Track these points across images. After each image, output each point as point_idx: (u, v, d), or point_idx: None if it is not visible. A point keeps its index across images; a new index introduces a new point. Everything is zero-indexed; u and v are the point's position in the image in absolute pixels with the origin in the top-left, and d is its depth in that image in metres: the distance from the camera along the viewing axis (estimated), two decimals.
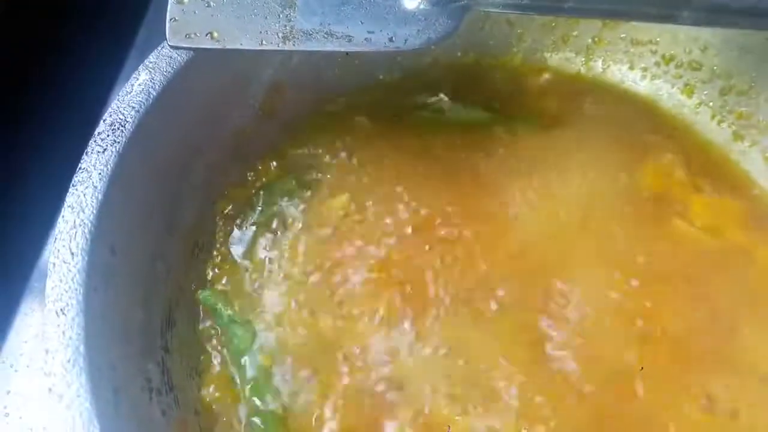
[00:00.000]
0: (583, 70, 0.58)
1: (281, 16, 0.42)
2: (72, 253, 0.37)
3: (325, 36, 0.42)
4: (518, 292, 0.47)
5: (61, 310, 0.35)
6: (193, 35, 0.42)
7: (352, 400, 0.43)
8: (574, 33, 0.57)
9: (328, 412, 0.43)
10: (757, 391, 0.44)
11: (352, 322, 0.46)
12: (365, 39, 0.42)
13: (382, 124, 0.55)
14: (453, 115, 0.56)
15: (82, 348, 0.35)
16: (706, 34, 0.54)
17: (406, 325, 0.45)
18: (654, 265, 0.48)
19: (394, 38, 0.42)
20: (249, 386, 0.44)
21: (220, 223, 0.50)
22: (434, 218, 0.50)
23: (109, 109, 0.41)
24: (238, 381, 0.45)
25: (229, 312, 0.46)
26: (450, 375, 0.44)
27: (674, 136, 0.55)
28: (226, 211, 0.50)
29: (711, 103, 0.55)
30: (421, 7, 0.42)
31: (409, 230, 0.49)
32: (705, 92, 0.55)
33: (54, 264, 0.37)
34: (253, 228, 0.50)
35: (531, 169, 0.52)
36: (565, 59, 0.59)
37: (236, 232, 0.50)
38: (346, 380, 0.44)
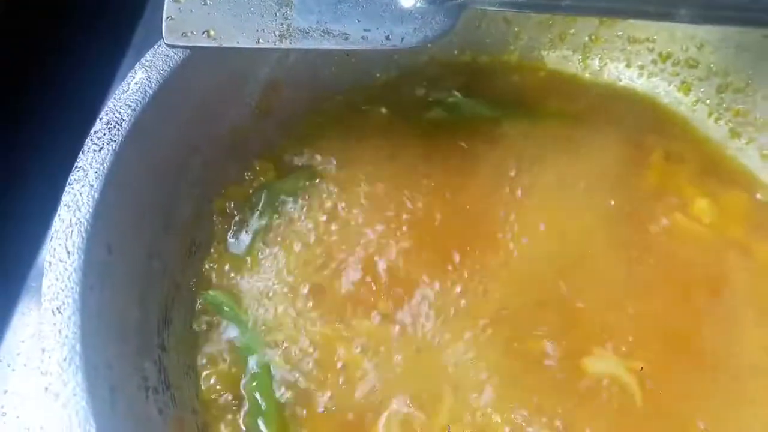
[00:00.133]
0: (580, 68, 0.58)
1: (278, 14, 0.42)
2: (68, 252, 0.37)
3: (322, 34, 0.42)
4: (516, 296, 0.47)
5: (58, 308, 0.35)
6: (189, 33, 0.42)
7: (351, 398, 0.43)
8: (571, 31, 0.57)
9: (328, 409, 0.43)
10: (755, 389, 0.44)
11: (351, 323, 0.46)
12: (362, 37, 0.42)
13: (380, 122, 0.55)
14: (466, 112, 0.55)
15: (78, 347, 0.35)
16: (702, 31, 0.54)
17: (407, 323, 0.45)
18: (653, 260, 0.48)
19: (390, 36, 0.42)
20: (250, 384, 0.44)
21: (218, 221, 0.50)
22: (434, 216, 0.50)
23: (106, 108, 0.41)
24: (238, 379, 0.45)
25: (234, 311, 0.46)
26: (446, 376, 0.44)
27: (672, 133, 0.55)
28: (225, 209, 0.50)
29: (708, 101, 0.55)
30: (418, 5, 0.42)
31: (408, 229, 0.49)
32: (702, 90, 0.55)
33: (50, 263, 0.36)
34: (253, 227, 0.50)
35: (529, 167, 0.52)
36: (562, 57, 0.59)
37: (235, 231, 0.50)
38: (342, 379, 0.44)
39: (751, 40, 0.52)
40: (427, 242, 0.49)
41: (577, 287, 0.47)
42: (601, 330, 0.45)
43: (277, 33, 0.42)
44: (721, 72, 0.54)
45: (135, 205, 0.42)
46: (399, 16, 0.42)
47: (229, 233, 0.50)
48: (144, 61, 0.43)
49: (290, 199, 0.51)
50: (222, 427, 0.43)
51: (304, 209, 0.50)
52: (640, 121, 0.56)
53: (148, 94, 0.42)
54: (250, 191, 0.51)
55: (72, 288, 0.36)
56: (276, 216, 0.50)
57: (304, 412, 0.43)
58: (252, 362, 0.45)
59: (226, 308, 0.47)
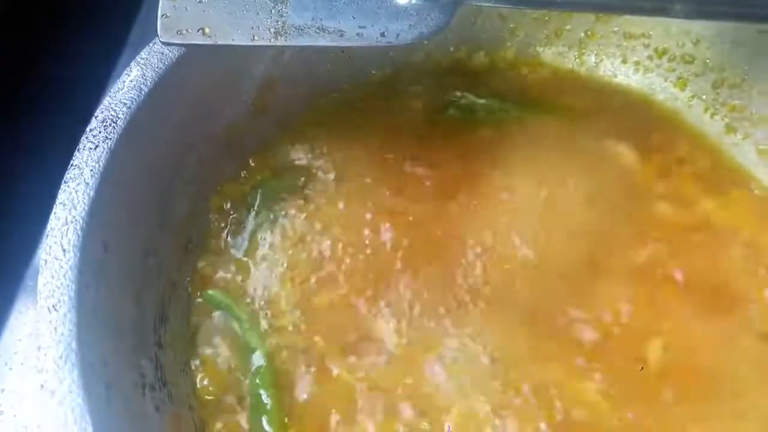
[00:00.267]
0: (576, 64, 0.58)
1: (273, 11, 0.42)
2: (64, 250, 0.37)
3: (317, 31, 0.42)
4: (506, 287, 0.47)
5: (53, 306, 0.35)
6: (184, 31, 0.42)
7: (352, 396, 0.43)
8: (567, 27, 0.57)
9: (328, 405, 0.43)
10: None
11: (353, 317, 0.46)
12: (357, 34, 0.42)
13: (376, 119, 0.55)
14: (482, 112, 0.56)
15: (74, 344, 0.35)
16: (698, 27, 0.54)
17: (408, 322, 0.46)
18: (652, 255, 0.48)
19: (385, 33, 0.42)
20: (253, 381, 0.44)
21: (215, 219, 0.50)
22: (433, 213, 0.50)
23: (101, 106, 0.41)
24: (238, 375, 0.45)
25: (233, 309, 0.46)
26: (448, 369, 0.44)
27: (668, 129, 0.55)
28: (221, 207, 0.50)
29: (704, 96, 0.55)
30: (413, 2, 0.42)
31: (407, 226, 0.49)
32: (698, 85, 0.56)
33: (46, 260, 0.36)
34: (250, 226, 0.50)
35: (528, 164, 0.52)
36: (558, 53, 0.59)
37: (232, 230, 0.50)
38: (345, 373, 0.44)
39: (746, 35, 0.52)
40: (427, 241, 0.49)
41: (576, 288, 0.47)
42: (604, 336, 0.45)
43: (272, 30, 0.42)
44: (716, 68, 0.54)
45: (130, 202, 0.42)
46: (394, 12, 0.42)
47: (226, 231, 0.50)
48: (139, 59, 0.43)
49: (287, 197, 0.51)
50: (220, 424, 0.43)
51: (301, 207, 0.50)
52: (637, 117, 0.56)
53: (143, 92, 0.42)
54: (247, 190, 0.51)
55: (68, 286, 0.36)
56: (273, 214, 0.50)
57: (306, 407, 0.43)
58: (253, 359, 0.45)
59: (224, 306, 0.47)
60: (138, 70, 0.43)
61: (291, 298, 0.47)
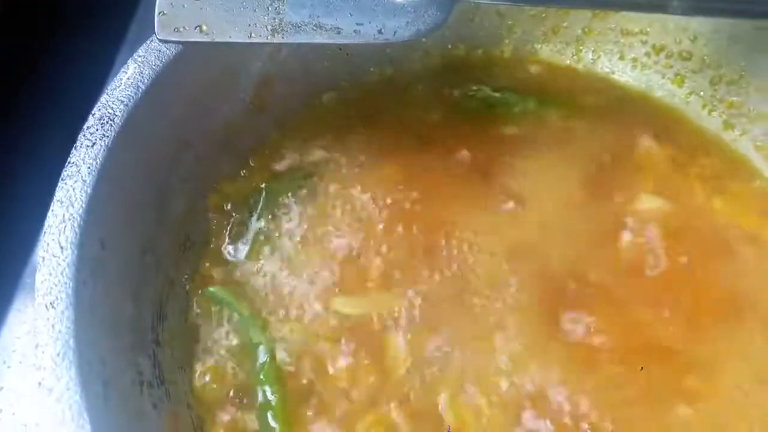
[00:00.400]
0: (573, 61, 0.58)
1: (270, 8, 0.42)
2: (61, 247, 0.37)
3: (314, 28, 0.42)
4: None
5: (51, 303, 0.35)
6: (181, 29, 0.42)
7: (353, 393, 0.44)
8: (564, 24, 0.57)
9: (332, 399, 0.43)
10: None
11: (354, 316, 0.46)
12: (354, 31, 0.42)
13: (375, 117, 0.55)
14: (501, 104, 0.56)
15: (71, 342, 0.35)
16: (695, 23, 0.54)
17: (408, 320, 0.46)
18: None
19: (383, 30, 0.42)
20: (255, 377, 0.44)
21: (215, 218, 0.50)
22: (432, 212, 0.50)
23: (98, 103, 0.41)
24: (237, 372, 0.45)
25: (235, 306, 0.46)
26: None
27: (666, 125, 0.55)
28: (220, 206, 0.50)
29: (701, 93, 0.55)
30: None
31: (406, 225, 0.49)
32: (695, 82, 0.56)
33: (43, 258, 0.36)
34: (251, 227, 0.50)
35: (528, 162, 0.52)
36: (555, 50, 0.59)
37: (233, 230, 0.50)
38: (347, 374, 0.44)
39: (743, 31, 0.52)
40: (430, 239, 0.49)
41: (581, 284, 0.47)
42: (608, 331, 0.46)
43: (269, 27, 0.42)
44: (714, 64, 0.54)
45: (128, 200, 0.42)
46: (391, 9, 0.42)
47: (227, 231, 0.50)
48: (136, 57, 0.43)
49: (287, 198, 0.51)
50: (219, 422, 0.43)
51: (301, 208, 0.50)
52: (635, 112, 0.56)
53: (140, 90, 0.42)
54: (247, 192, 0.51)
55: (65, 283, 0.36)
56: (274, 215, 0.50)
57: (307, 406, 0.43)
58: (256, 355, 0.45)
59: (226, 303, 0.47)
60: (135, 67, 0.43)
61: (292, 296, 0.47)
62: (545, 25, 0.58)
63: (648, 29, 0.56)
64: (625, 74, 0.58)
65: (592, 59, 0.58)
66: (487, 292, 0.46)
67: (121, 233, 0.41)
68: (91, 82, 0.66)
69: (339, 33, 0.42)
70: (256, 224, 0.50)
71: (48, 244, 0.37)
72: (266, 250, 0.49)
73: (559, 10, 0.57)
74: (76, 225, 0.37)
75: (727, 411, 0.43)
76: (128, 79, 0.42)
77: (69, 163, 0.39)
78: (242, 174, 0.52)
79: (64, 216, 0.38)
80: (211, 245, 0.49)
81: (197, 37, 0.42)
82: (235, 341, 0.46)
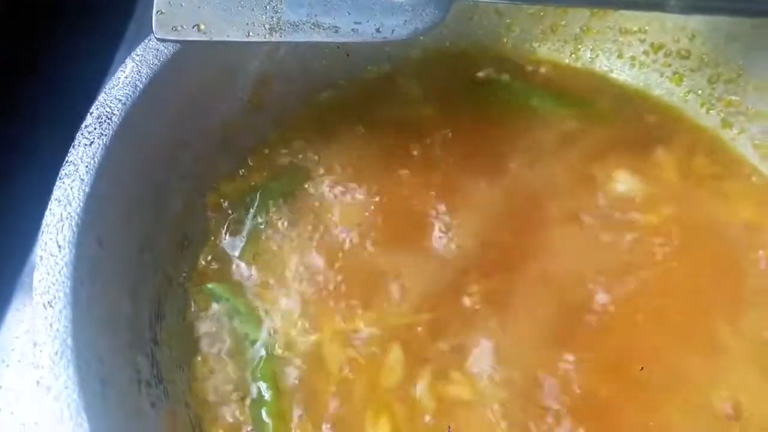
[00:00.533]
0: (571, 59, 0.58)
1: (268, 7, 0.42)
2: (59, 246, 0.37)
3: (312, 27, 0.42)
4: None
5: (49, 302, 0.35)
6: (179, 27, 0.42)
7: (353, 390, 0.44)
8: (563, 22, 0.57)
9: (327, 396, 0.43)
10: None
11: (350, 313, 0.46)
12: (352, 30, 0.42)
13: (374, 115, 0.55)
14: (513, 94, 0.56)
15: (69, 340, 0.35)
16: (693, 22, 0.54)
17: (409, 318, 0.46)
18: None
19: (381, 29, 0.42)
20: (250, 373, 0.44)
21: (213, 217, 0.50)
22: (435, 208, 0.50)
23: (96, 102, 0.41)
24: (235, 370, 0.45)
25: (233, 303, 0.47)
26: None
27: (664, 123, 0.55)
28: (218, 205, 0.50)
29: (700, 91, 0.55)
30: None
31: (404, 223, 0.49)
32: (694, 80, 0.55)
33: (41, 257, 0.37)
34: (248, 225, 0.50)
35: (528, 158, 0.52)
36: (554, 49, 0.58)
37: (230, 228, 0.50)
38: (345, 371, 0.44)
39: (741, 30, 0.52)
40: (428, 238, 0.49)
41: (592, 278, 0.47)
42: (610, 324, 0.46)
43: (267, 26, 0.42)
44: (712, 63, 0.54)
45: (125, 198, 0.42)
46: (389, 8, 0.42)
47: (224, 229, 0.50)
48: (134, 56, 0.43)
49: (285, 197, 0.51)
50: (216, 419, 0.43)
51: (299, 207, 0.50)
52: (633, 110, 0.56)
53: (138, 88, 0.42)
54: (245, 191, 0.51)
55: (63, 282, 0.36)
56: (271, 215, 0.50)
57: (302, 403, 0.43)
58: (252, 352, 0.45)
59: (224, 300, 0.47)
60: (133, 66, 0.43)
61: (289, 294, 0.47)
62: (544, 24, 0.58)
63: (646, 28, 0.56)
64: (623, 73, 0.58)
65: (590, 58, 0.58)
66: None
67: (119, 232, 0.41)
68: (90, 81, 0.66)
69: (337, 32, 0.42)
70: (254, 223, 0.50)
71: (46, 243, 0.37)
72: (263, 248, 0.49)
73: (558, 9, 0.57)
74: (73, 224, 0.37)
75: None
76: (126, 78, 0.42)
77: (67, 161, 0.39)
78: (240, 173, 0.52)
79: (61, 215, 0.38)
80: (209, 244, 0.49)
81: (195, 36, 0.42)
82: (232, 339, 0.46)
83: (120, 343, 0.40)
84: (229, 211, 0.50)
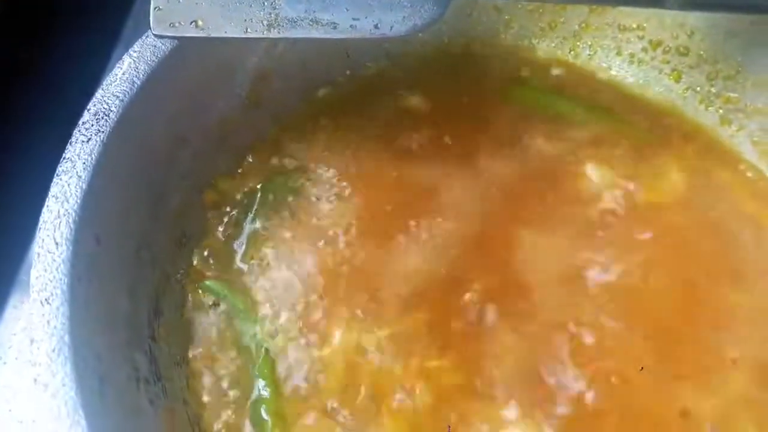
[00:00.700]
0: (570, 56, 0.58)
1: (266, 3, 0.42)
2: (56, 243, 0.37)
3: (310, 23, 0.42)
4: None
5: (46, 299, 0.35)
6: (177, 24, 0.42)
7: (352, 388, 0.44)
8: (561, 19, 0.57)
9: (326, 394, 0.43)
10: None
11: (349, 310, 0.46)
12: (350, 26, 0.42)
13: (372, 113, 0.55)
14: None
15: (66, 337, 0.35)
16: (692, 19, 0.53)
17: (407, 317, 0.46)
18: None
19: (379, 25, 0.42)
20: (249, 371, 0.44)
21: (211, 215, 0.50)
22: (436, 208, 0.50)
23: (93, 99, 0.41)
24: (233, 368, 0.45)
25: (231, 300, 0.46)
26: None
27: (663, 120, 0.55)
28: (217, 203, 0.50)
29: (698, 88, 0.55)
30: None
31: (410, 222, 0.49)
32: (692, 77, 0.55)
33: (38, 254, 0.36)
34: (247, 224, 0.50)
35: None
36: (552, 46, 0.58)
37: (229, 225, 0.50)
38: (343, 369, 0.44)
39: (740, 26, 0.52)
40: (429, 237, 0.49)
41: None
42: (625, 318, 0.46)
43: (265, 22, 0.42)
44: (711, 59, 0.54)
45: (123, 195, 0.42)
46: (388, 4, 0.42)
47: (222, 226, 0.50)
48: (132, 52, 0.43)
49: (284, 195, 0.50)
50: (215, 418, 0.43)
51: (298, 205, 0.50)
52: (632, 108, 0.56)
53: (135, 85, 0.42)
54: (243, 188, 0.51)
55: (60, 279, 0.36)
56: (269, 212, 0.50)
57: (305, 401, 0.43)
58: (250, 350, 0.45)
59: (222, 296, 0.47)
60: (130, 62, 0.43)
61: (286, 292, 0.47)
62: (542, 21, 0.58)
63: (645, 25, 0.56)
64: (622, 70, 0.57)
65: (589, 55, 0.58)
66: None
67: (117, 229, 0.41)
68: (88, 78, 0.65)
69: (335, 28, 0.42)
70: (252, 221, 0.50)
71: (43, 240, 0.37)
72: (261, 246, 0.49)
73: (556, 6, 0.56)
74: (71, 221, 0.37)
75: None
76: (123, 74, 0.42)
77: (64, 158, 0.39)
78: (239, 171, 0.52)
79: (59, 212, 0.37)
80: (208, 241, 0.49)
81: (193, 33, 0.42)
82: (229, 337, 0.46)
83: (118, 340, 0.40)
84: (228, 209, 0.50)
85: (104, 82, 0.42)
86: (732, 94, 0.54)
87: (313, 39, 0.42)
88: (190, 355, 0.45)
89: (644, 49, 0.56)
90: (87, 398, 0.34)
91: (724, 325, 0.46)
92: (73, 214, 0.37)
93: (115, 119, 0.41)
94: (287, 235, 0.49)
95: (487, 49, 0.58)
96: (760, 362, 0.44)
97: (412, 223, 0.49)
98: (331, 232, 0.49)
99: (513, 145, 0.52)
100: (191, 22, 0.41)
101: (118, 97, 0.41)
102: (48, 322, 0.35)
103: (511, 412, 0.42)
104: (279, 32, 0.42)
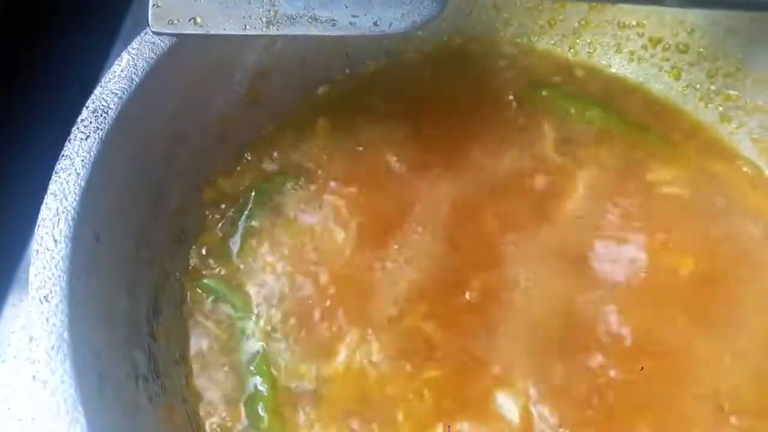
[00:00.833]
0: (570, 54, 0.58)
1: (265, 0, 0.42)
2: (55, 240, 0.37)
3: (309, 20, 0.42)
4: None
5: (45, 297, 0.35)
6: (176, 21, 0.42)
7: (350, 385, 0.44)
8: (561, 17, 0.57)
9: (325, 395, 0.43)
10: None
11: (348, 307, 0.46)
12: (349, 23, 0.42)
13: (372, 111, 0.54)
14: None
15: (65, 335, 0.34)
16: (692, 16, 0.53)
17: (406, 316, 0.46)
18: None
19: (378, 22, 0.42)
20: (246, 368, 0.44)
21: (210, 212, 0.50)
22: (437, 207, 0.50)
23: (92, 96, 0.41)
24: (232, 365, 0.45)
25: (229, 298, 0.46)
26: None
27: (662, 118, 0.55)
28: (215, 200, 0.50)
29: (698, 86, 0.55)
30: None
31: (408, 220, 0.49)
32: (692, 75, 0.55)
33: (37, 251, 0.36)
34: (244, 222, 0.50)
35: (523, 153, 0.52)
36: (552, 43, 0.58)
37: (227, 223, 0.50)
38: (341, 366, 0.44)
39: (740, 23, 0.52)
40: (429, 235, 0.49)
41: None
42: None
43: (264, 20, 0.42)
44: (710, 57, 0.54)
45: (122, 193, 0.42)
46: (387, 1, 0.42)
47: (221, 224, 0.50)
48: (130, 49, 0.43)
49: (282, 192, 0.50)
50: (213, 414, 0.43)
51: (296, 203, 0.50)
52: (631, 105, 0.56)
53: (134, 82, 0.42)
54: (242, 186, 0.51)
55: (59, 276, 0.36)
56: (267, 211, 0.50)
57: (303, 398, 0.43)
58: (248, 347, 0.45)
59: (220, 294, 0.47)
60: (129, 59, 0.42)
61: (284, 290, 0.47)
62: (542, 18, 0.57)
63: (644, 22, 0.55)
64: (621, 67, 0.57)
65: (588, 53, 0.58)
66: None
67: (116, 226, 0.41)
68: (86, 77, 0.65)
69: (334, 25, 0.42)
70: (250, 219, 0.50)
71: (42, 238, 0.37)
72: (260, 243, 0.49)
73: (555, 3, 0.56)
74: (69, 218, 0.37)
75: None
76: (122, 71, 0.42)
77: (62, 156, 0.39)
78: (237, 168, 0.52)
79: (57, 209, 0.37)
80: (207, 239, 0.49)
81: (191, 30, 0.42)
82: (228, 334, 0.46)
83: (117, 337, 0.40)
84: (228, 207, 0.50)
85: (103, 80, 0.42)
86: (732, 92, 0.54)
87: (312, 36, 0.42)
88: (189, 352, 0.45)
89: (644, 47, 0.56)
90: (86, 395, 0.34)
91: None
92: (72, 211, 0.37)
93: (114, 116, 0.40)
94: (286, 232, 0.49)
95: (487, 47, 0.58)
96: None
97: (412, 221, 0.49)
98: (328, 231, 0.49)
99: (513, 143, 0.52)
100: (190, 19, 0.41)
101: (116, 94, 0.41)
102: (47, 319, 0.35)
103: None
104: (278, 29, 0.42)
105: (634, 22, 0.56)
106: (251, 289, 0.47)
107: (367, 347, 0.45)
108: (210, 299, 0.47)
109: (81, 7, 0.68)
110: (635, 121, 0.54)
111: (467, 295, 0.46)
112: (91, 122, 0.40)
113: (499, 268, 0.47)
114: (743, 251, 0.49)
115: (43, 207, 0.37)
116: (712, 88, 0.55)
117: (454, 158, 0.52)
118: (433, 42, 0.58)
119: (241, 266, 0.48)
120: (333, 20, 0.42)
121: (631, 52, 0.57)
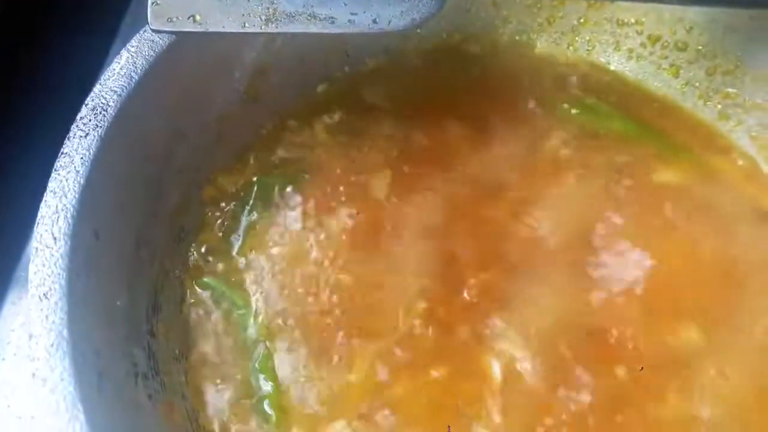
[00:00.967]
0: (569, 51, 0.58)
1: None
2: (54, 238, 0.37)
3: (308, 18, 0.42)
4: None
5: (44, 294, 0.35)
6: (175, 18, 0.42)
7: (349, 383, 0.44)
8: (560, 14, 0.57)
9: (326, 393, 0.43)
10: None
11: (347, 305, 0.46)
12: (349, 21, 0.42)
13: (372, 110, 0.55)
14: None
15: (65, 332, 0.34)
16: (691, 13, 0.53)
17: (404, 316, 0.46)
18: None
19: (377, 19, 0.42)
20: (250, 366, 0.44)
21: (209, 210, 0.50)
22: (436, 205, 0.50)
23: (91, 93, 0.41)
24: (232, 363, 0.45)
25: (229, 296, 0.46)
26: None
27: (661, 116, 0.55)
28: (215, 198, 0.50)
29: (697, 84, 0.55)
30: None
31: (408, 219, 0.49)
32: (691, 72, 0.55)
33: (37, 248, 0.36)
34: (244, 219, 0.50)
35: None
36: (551, 41, 0.58)
37: (227, 220, 0.50)
38: (341, 363, 0.44)
39: (739, 21, 0.52)
40: (428, 235, 0.49)
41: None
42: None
43: (263, 17, 0.42)
44: (709, 54, 0.54)
45: (122, 191, 0.42)
46: None
47: (221, 222, 0.50)
48: (129, 47, 0.43)
49: (282, 190, 0.50)
50: (213, 411, 0.43)
51: (296, 200, 0.50)
52: (631, 104, 0.56)
53: (133, 80, 0.42)
54: (242, 184, 0.51)
55: (58, 274, 0.36)
56: (267, 208, 0.50)
57: (302, 392, 0.43)
58: (250, 345, 0.45)
59: (221, 293, 0.47)
60: (128, 57, 0.42)
61: (284, 287, 0.47)
62: (541, 16, 0.58)
63: (643, 19, 0.55)
64: (620, 65, 0.57)
65: (587, 50, 0.58)
66: None
67: (115, 224, 0.41)
68: (86, 75, 0.65)
69: (333, 23, 0.42)
70: (250, 216, 0.50)
71: (41, 235, 0.37)
72: (260, 241, 0.49)
73: (554, 1, 0.56)
74: (69, 216, 0.37)
75: None
76: (121, 69, 0.42)
77: (62, 153, 0.39)
78: (237, 166, 0.52)
79: (57, 207, 0.37)
80: (206, 237, 0.49)
81: (190, 27, 0.42)
82: (228, 331, 0.46)
83: (116, 335, 0.40)
84: (227, 205, 0.50)
85: (102, 77, 0.42)
86: (731, 90, 0.54)
87: (312, 34, 0.42)
88: (189, 350, 0.45)
89: (643, 44, 0.56)
90: (85, 393, 0.34)
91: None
92: (71, 209, 0.37)
93: (113, 114, 0.40)
94: (286, 230, 0.49)
95: (486, 45, 0.58)
96: None
97: (412, 218, 0.49)
98: (328, 228, 0.49)
99: (512, 141, 0.52)
100: (189, 17, 0.41)
101: (115, 92, 0.41)
102: (46, 317, 0.35)
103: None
104: (277, 27, 0.42)
105: (632, 20, 0.56)
106: (251, 287, 0.47)
107: (368, 345, 0.45)
108: (210, 297, 0.47)
109: (80, 6, 0.68)
110: (634, 119, 0.54)
111: (466, 295, 0.46)
112: (90, 120, 0.40)
113: (499, 269, 0.47)
114: (743, 250, 0.49)
115: (42, 204, 0.37)
116: (711, 85, 0.55)
117: (453, 156, 0.52)
118: (432, 39, 0.58)
119: (241, 264, 0.48)
120: (332, 18, 0.42)
121: (630, 50, 0.57)
